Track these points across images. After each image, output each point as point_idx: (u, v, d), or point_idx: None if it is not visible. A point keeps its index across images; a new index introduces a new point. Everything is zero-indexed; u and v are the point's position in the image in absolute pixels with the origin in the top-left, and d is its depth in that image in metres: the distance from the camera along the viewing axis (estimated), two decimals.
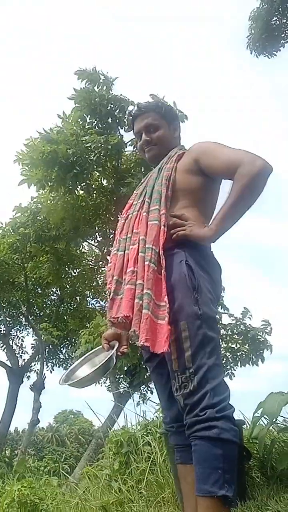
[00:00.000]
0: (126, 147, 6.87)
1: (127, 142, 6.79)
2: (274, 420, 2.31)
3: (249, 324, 7.21)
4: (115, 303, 1.54)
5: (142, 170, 6.63)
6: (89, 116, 6.41)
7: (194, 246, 1.53)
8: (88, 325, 9.27)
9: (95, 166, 6.27)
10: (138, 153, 6.80)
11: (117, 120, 6.45)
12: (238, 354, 7.09)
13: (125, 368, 6.86)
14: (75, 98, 6.21)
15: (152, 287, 1.42)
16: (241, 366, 7.03)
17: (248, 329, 7.01)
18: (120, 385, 7.87)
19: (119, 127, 6.58)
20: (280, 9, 9.35)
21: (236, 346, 7.14)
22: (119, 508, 2.31)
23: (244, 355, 7.09)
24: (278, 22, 9.70)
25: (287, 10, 9.36)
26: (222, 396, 1.37)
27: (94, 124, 6.46)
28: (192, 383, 1.37)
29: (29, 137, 5.97)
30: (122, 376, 7.42)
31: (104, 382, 7.99)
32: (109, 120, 6.43)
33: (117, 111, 6.40)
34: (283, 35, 9.91)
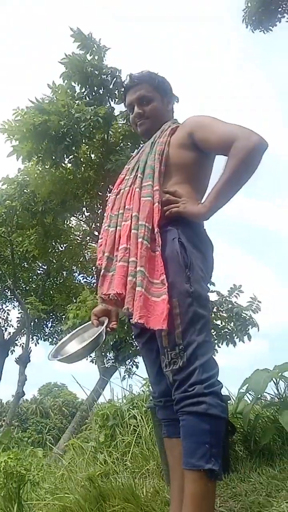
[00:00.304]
0: (116, 120, 6.71)
1: (117, 115, 6.64)
2: (259, 396, 2.36)
3: (235, 302, 7.24)
4: (106, 279, 1.52)
5: (131, 144, 6.52)
6: (79, 85, 6.20)
7: (187, 224, 1.51)
8: (75, 300, 9.29)
9: (84, 139, 6.12)
10: (127, 126, 6.66)
11: (108, 92, 6.26)
12: (223, 331, 7.16)
13: (111, 343, 6.92)
14: (66, 64, 5.98)
15: (145, 265, 1.40)
16: (227, 345, 7.10)
17: (234, 307, 7.05)
18: (106, 359, 7.95)
19: (110, 98, 6.39)
20: None
21: (221, 323, 7.19)
22: (104, 479, 2.35)
23: (228, 333, 7.17)
24: None
25: None
26: (211, 373, 1.38)
27: (84, 94, 6.26)
28: (182, 359, 1.37)
29: (16, 108, 5.77)
30: (107, 350, 7.48)
31: (90, 356, 8.06)
32: (100, 91, 6.24)
33: (109, 82, 6.20)
34: (280, 9, 9.70)
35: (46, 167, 6.64)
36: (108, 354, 7.86)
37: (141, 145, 1.86)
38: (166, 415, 1.62)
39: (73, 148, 6.06)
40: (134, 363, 8.37)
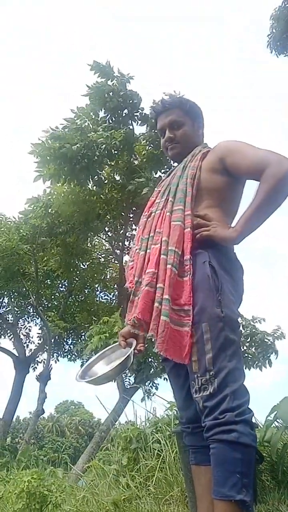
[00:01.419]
0: (139, 142, 6.87)
1: (139, 137, 6.79)
2: None
3: (258, 328, 7.21)
4: (133, 305, 1.53)
5: (153, 165, 6.65)
6: (102, 110, 6.46)
7: (217, 247, 1.52)
8: (95, 318, 9.31)
9: (106, 160, 6.30)
10: (151, 148, 6.79)
11: (130, 115, 6.48)
12: (245, 356, 7.08)
13: (132, 364, 6.88)
14: (90, 94, 6.27)
15: (171, 292, 1.42)
16: (248, 369, 7.02)
17: (257, 332, 7.00)
18: (125, 380, 7.90)
19: (131, 121, 6.58)
20: None
21: (242, 348, 7.14)
22: (127, 504, 2.31)
23: (249, 358, 7.09)
24: None
25: None
26: (241, 400, 1.36)
27: (107, 117, 6.50)
28: (212, 385, 1.36)
29: (45, 131, 6.06)
30: (128, 370, 7.44)
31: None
32: (123, 114, 6.47)
33: (129, 106, 6.42)
34: None
35: (69, 188, 6.83)
36: (128, 374, 7.81)
37: (172, 168, 1.89)
38: (194, 442, 1.59)
39: (95, 169, 6.24)
40: (154, 384, 8.30)
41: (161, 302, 1.41)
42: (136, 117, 6.56)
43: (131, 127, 6.63)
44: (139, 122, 6.65)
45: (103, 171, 6.91)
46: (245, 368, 6.94)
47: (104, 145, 5.98)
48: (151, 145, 6.83)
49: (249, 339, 7.03)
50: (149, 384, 8.24)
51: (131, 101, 6.40)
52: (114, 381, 7.55)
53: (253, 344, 7.03)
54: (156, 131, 1.91)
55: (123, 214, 7.68)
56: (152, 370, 7.55)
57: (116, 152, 6.32)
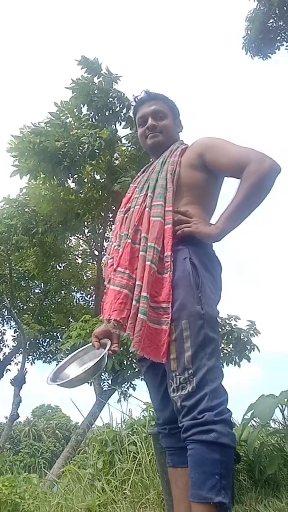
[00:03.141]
0: (121, 142, 6.80)
1: (122, 137, 6.72)
2: (266, 423, 2.29)
3: (234, 325, 7.25)
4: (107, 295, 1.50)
5: (136, 167, 6.57)
6: (86, 106, 6.32)
7: (198, 244, 1.49)
8: (72, 320, 9.18)
9: (87, 159, 6.17)
10: (133, 149, 6.73)
11: (114, 115, 6.37)
12: (223, 353, 7.12)
13: (107, 365, 6.80)
14: (73, 88, 6.11)
15: (150, 290, 1.38)
16: (227, 365, 7.08)
17: (234, 330, 7.04)
18: (102, 381, 7.80)
19: (115, 122, 6.48)
20: (277, 11, 9.39)
21: (220, 346, 7.18)
22: (103, 509, 2.25)
23: (227, 355, 7.14)
24: (274, 25, 9.75)
25: (284, 12, 9.40)
26: (220, 399, 1.33)
27: (90, 115, 6.37)
28: (191, 384, 1.32)
29: (22, 127, 5.88)
30: (105, 372, 7.35)
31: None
32: (107, 113, 6.35)
33: (115, 105, 6.31)
34: (278, 38, 9.96)
35: (48, 185, 6.68)
36: (105, 376, 7.72)
37: (147, 164, 1.84)
38: (171, 444, 1.55)
39: (76, 168, 6.10)
40: (132, 385, 8.23)
41: (139, 300, 1.37)
42: (120, 118, 6.48)
43: (114, 127, 6.56)
44: (123, 123, 6.58)
45: (84, 170, 6.82)
46: (223, 365, 7.05)
47: (87, 144, 5.87)
48: (134, 146, 6.80)
49: (225, 337, 7.06)
50: (126, 385, 8.18)
51: (116, 101, 6.31)
52: (90, 384, 7.47)
53: (230, 342, 7.08)
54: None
55: (102, 214, 7.60)
56: (130, 371, 7.49)
57: (98, 151, 6.23)
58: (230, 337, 7.06)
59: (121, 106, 6.31)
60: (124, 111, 6.33)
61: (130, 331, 1.35)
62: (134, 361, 6.70)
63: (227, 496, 1.24)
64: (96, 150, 6.02)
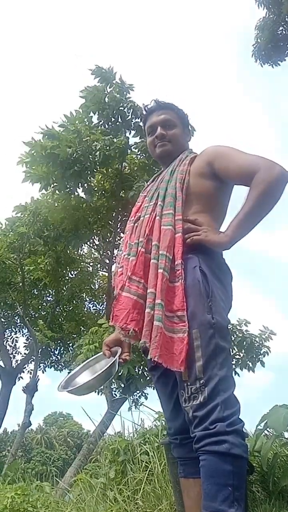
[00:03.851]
0: (131, 151, 6.82)
1: (132, 146, 6.74)
2: (280, 433, 2.26)
3: (246, 331, 7.19)
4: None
5: (146, 175, 6.58)
6: (97, 115, 6.35)
7: (208, 252, 1.49)
8: (83, 328, 9.19)
9: (98, 167, 6.20)
10: (143, 158, 6.74)
11: (125, 124, 6.39)
12: (234, 359, 7.05)
13: (119, 373, 6.79)
14: (86, 96, 6.14)
15: (164, 297, 1.37)
16: (237, 375, 7.00)
17: (245, 336, 6.98)
18: (114, 390, 7.78)
19: (126, 130, 6.51)
20: (286, 19, 9.40)
21: (232, 351, 7.12)
22: None
23: (240, 361, 7.07)
24: (284, 32, 9.76)
25: None
26: (232, 410, 1.32)
27: (101, 123, 6.39)
28: (203, 394, 1.32)
29: (40, 128, 5.92)
30: (117, 380, 7.33)
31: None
32: (118, 122, 6.37)
33: (126, 114, 6.33)
34: None
35: (59, 193, 6.72)
36: (116, 384, 7.70)
37: (156, 173, 1.86)
38: (183, 454, 1.54)
39: (86, 176, 6.12)
40: (143, 394, 8.19)
41: (153, 308, 1.37)
42: (132, 127, 6.50)
43: (125, 135, 6.58)
44: (133, 132, 6.60)
45: (93, 179, 6.84)
46: (235, 373, 6.96)
47: (99, 152, 5.89)
48: (143, 154, 6.82)
49: (237, 343, 7.00)
50: (138, 394, 8.14)
51: (127, 110, 6.33)
52: (100, 394, 7.45)
53: (242, 348, 7.01)
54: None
55: (111, 222, 7.63)
56: (142, 380, 7.45)
57: (108, 159, 6.26)
58: (244, 343, 7.00)
59: (132, 115, 6.32)
60: (134, 120, 6.34)
61: (146, 339, 1.34)
62: (143, 370, 6.68)
63: (240, 508, 1.22)
64: (107, 158, 6.05)
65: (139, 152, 6.77)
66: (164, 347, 1.32)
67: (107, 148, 5.90)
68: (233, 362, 7.02)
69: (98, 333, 5.78)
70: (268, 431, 2.39)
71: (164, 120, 1.76)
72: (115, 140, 6.04)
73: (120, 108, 6.24)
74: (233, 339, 7.11)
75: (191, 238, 1.49)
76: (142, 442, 2.82)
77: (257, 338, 7.05)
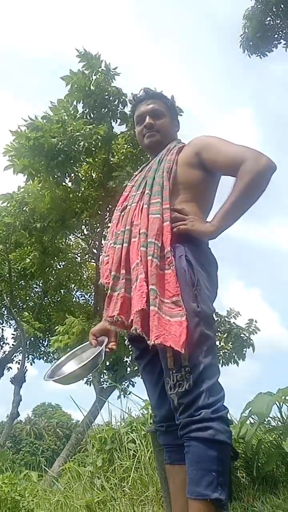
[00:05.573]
0: (118, 140, 6.75)
1: (118, 135, 6.68)
2: (263, 420, 2.30)
3: (234, 323, 7.25)
4: (112, 300, 1.48)
5: (132, 164, 6.54)
6: (81, 103, 6.22)
7: (194, 242, 1.50)
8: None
9: (84, 156, 6.13)
10: (129, 147, 6.69)
11: (111, 112, 6.29)
12: (221, 352, 7.12)
13: (107, 363, 6.82)
14: (69, 79, 5.97)
15: (156, 283, 1.36)
16: (224, 365, 7.06)
17: (233, 328, 7.03)
18: (102, 379, 7.82)
19: (111, 119, 6.42)
20: (274, 9, 9.36)
21: (219, 344, 7.17)
22: (102, 506, 2.26)
23: (227, 354, 7.13)
24: (272, 23, 9.72)
25: (281, 11, 9.38)
26: (217, 397, 1.34)
27: (86, 112, 6.29)
28: (188, 381, 1.33)
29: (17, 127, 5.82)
30: (104, 370, 7.37)
31: (86, 376, 7.93)
32: (102, 110, 6.27)
33: (112, 102, 6.22)
34: (276, 36, 9.94)
35: (45, 184, 6.64)
36: (104, 374, 7.74)
37: (145, 163, 1.86)
38: (168, 441, 1.56)
39: (72, 165, 6.05)
40: (131, 383, 8.25)
41: (147, 294, 1.35)
42: (117, 115, 6.41)
43: (110, 124, 6.49)
44: (119, 121, 6.52)
45: (81, 168, 6.77)
46: (222, 365, 7.03)
47: (82, 141, 5.81)
48: (130, 143, 6.75)
49: (225, 335, 7.06)
50: (126, 383, 8.19)
51: (113, 98, 6.22)
52: (90, 384, 7.48)
53: (228, 339, 7.07)
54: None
55: (100, 212, 7.59)
56: (129, 369, 7.50)
57: (94, 149, 6.17)
58: (230, 334, 7.06)
59: (117, 102, 6.23)
60: (120, 107, 6.25)
61: (137, 325, 1.32)
62: (129, 358, 6.73)
63: (224, 493, 1.25)
64: (93, 148, 5.98)
65: (126, 141, 6.71)
66: (163, 329, 1.31)
67: (90, 137, 5.83)
68: (220, 355, 7.07)
69: (72, 329, 5.82)
70: (252, 418, 2.43)
71: (153, 109, 1.75)
72: (97, 129, 5.96)
73: (106, 96, 6.13)
74: (221, 329, 7.18)
75: (178, 228, 1.49)
76: (129, 430, 2.85)
77: (246, 332, 7.10)
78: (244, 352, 7.17)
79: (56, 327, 6.32)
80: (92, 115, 6.28)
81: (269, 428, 2.49)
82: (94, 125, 6.09)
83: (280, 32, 9.91)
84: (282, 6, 9.07)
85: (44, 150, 5.68)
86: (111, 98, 6.13)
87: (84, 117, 6.25)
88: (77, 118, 6.12)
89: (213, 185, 1.66)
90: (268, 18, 9.63)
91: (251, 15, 9.31)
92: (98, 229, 7.90)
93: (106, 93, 6.08)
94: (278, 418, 2.49)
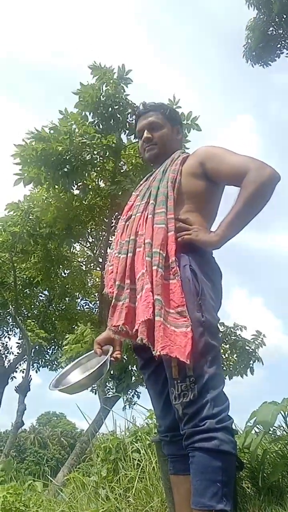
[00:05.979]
0: (126, 151, 6.78)
1: (127, 146, 6.70)
2: (268, 430, 2.28)
3: (239, 335, 7.19)
4: (116, 309, 1.49)
5: (141, 175, 6.55)
6: (91, 114, 6.26)
7: (198, 252, 1.51)
8: (76, 327, 9.17)
9: (90, 166, 6.16)
10: (138, 157, 6.73)
11: (120, 123, 6.32)
12: (226, 363, 7.06)
13: (112, 372, 6.79)
14: (80, 93, 6.04)
15: (161, 293, 1.37)
16: (230, 378, 6.98)
17: (239, 340, 6.97)
18: (106, 389, 7.79)
19: (120, 130, 6.45)
20: (277, 19, 9.45)
21: (225, 355, 7.12)
22: None
23: (231, 366, 7.06)
24: (274, 33, 9.82)
25: (284, 20, 9.47)
26: (222, 407, 1.35)
27: (95, 123, 6.32)
28: (193, 392, 1.34)
29: (27, 132, 5.85)
30: (109, 379, 7.34)
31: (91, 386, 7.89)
32: (111, 121, 6.30)
33: (124, 113, 6.25)
34: (279, 46, 10.03)
35: (52, 192, 6.68)
36: (109, 383, 7.70)
37: (149, 173, 1.87)
38: (173, 451, 1.56)
39: (78, 175, 6.08)
40: (136, 393, 8.20)
41: (153, 304, 1.37)
42: (126, 126, 6.43)
43: (119, 134, 6.51)
44: (127, 132, 6.55)
45: (88, 177, 6.81)
46: (227, 377, 6.96)
47: (89, 152, 5.84)
48: (138, 154, 6.77)
49: (228, 345, 6.99)
50: (131, 393, 8.15)
51: (123, 109, 6.26)
52: (95, 393, 7.45)
53: (234, 351, 7.00)
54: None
55: (106, 221, 7.62)
56: (134, 378, 7.46)
57: (102, 159, 6.20)
58: (236, 345, 6.99)
59: (126, 113, 6.26)
60: (129, 118, 6.27)
61: (143, 335, 1.33)
62: (134, 368, 6.68)
63: (229, 504, 1.25)
64: (100, 158, 6.00)
65: (134, 152, 6.74)
66: (168, 339, 1.31)
67: (99, 147, 5.86)
68: (225, 367, 7.00)
69: (84, 337, 5.79)
70: (257, 427, 2.42)
71: (150, 123, 1.79)
72: (104, 140, 5.99)
73: (116, 107, 6.16)
74: (226, 340, 7.11)
75: (182, 237, 1.50)
76: (133, 440, 2.84)
77: (252, 346, 7.02)
78: (251, 364, 7.07)
79: (67, 336, 6.28)
80: (101, 126, 6.31)
81: (274, 438, 2.47)
82: (102, 136, 6.12)
83: (283, 42, 10.00)
84: (285, 16, 9.16)
85: (50, 160, 5.71)
86: (121, 109, 6.16)
87: (94, 127, 6.28)
88: (86, 129, 6.16)
89: (217, 195, 1.68)
90: (271, 28, 9.73)
91: (253, 26, 9.41)
92: (104, 238, 7.92)
93: (116, 105, 6.11)
94: (284, 427, 2.47)
